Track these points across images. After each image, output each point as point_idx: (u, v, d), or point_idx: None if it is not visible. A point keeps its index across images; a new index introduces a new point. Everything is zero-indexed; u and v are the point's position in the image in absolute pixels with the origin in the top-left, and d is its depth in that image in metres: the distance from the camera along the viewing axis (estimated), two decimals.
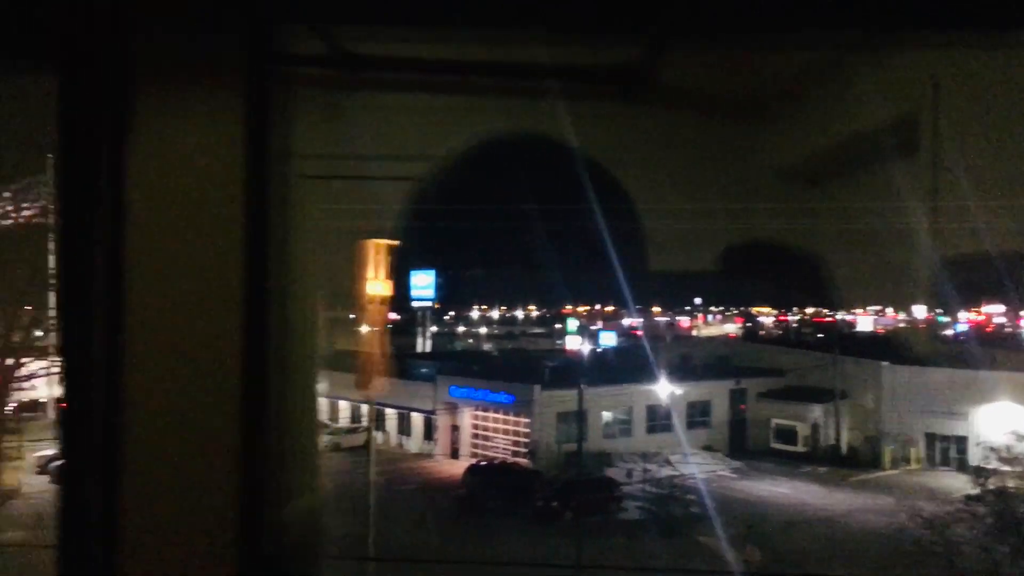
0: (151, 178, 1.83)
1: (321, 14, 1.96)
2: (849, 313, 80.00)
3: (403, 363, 54.43)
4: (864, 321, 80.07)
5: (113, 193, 1.81)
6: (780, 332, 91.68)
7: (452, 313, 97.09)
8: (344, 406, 48.40)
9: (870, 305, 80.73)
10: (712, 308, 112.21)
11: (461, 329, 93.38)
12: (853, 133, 3.04)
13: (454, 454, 43.59)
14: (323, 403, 50.77)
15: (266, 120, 1.87)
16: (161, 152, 1.83)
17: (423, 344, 67.90)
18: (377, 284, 21.01)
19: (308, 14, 1.95)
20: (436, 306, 71.11)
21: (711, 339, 76.56)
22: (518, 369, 47.17)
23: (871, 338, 67.04)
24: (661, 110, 2.61)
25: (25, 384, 42.76)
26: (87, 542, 1.85)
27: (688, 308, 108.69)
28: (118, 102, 1.81)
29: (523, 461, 40.08)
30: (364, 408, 40.79)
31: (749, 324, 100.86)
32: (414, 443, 45.88)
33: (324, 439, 45.33)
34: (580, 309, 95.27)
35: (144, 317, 1.83)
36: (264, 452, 1.89)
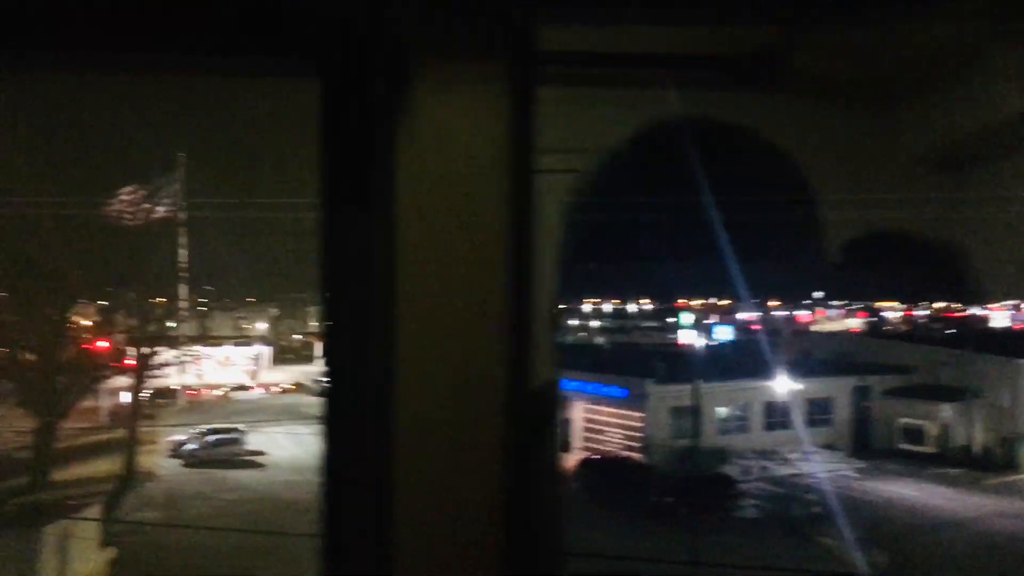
0: (421, 168, 1.85)
1: (576, 11, 1.98)
2: (982, 308, 76.03)
3: None
4: (999, 316, 75.98)
5: (385, 182, 1.83)
6: (907, 328, 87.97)
7: (563, 306, 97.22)
8: None
9: (1005, 299, 76.46)
10: (833, 302, 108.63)
11: (572, 322, 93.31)
12: (996, 116, 2.85)
13: (565, 447, 43.54)
14: None
15: (526, 114, 1.89)
16: (431, 143, 1.85)
17: None
18: None
19: (565, 11, 1.98)
20: None
21: (832, 334, 74.13)
22: (631, 363, 46.77)
23: (1007, 334, 63.61)
24: (792, 96, 2.50)
25: (159, 372, 45.20)
26: (358, 544, 1.85)
27: (808, 302, 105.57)
28: (391, 94, 1.83)
29: (636, 456, 39.75)
30: None
31: (873, 319, 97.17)
32: None
33: None
34: (695, 303, 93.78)
35: (414, 320, 1.84)
36: (526, 452, 1.88)
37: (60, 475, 35.93)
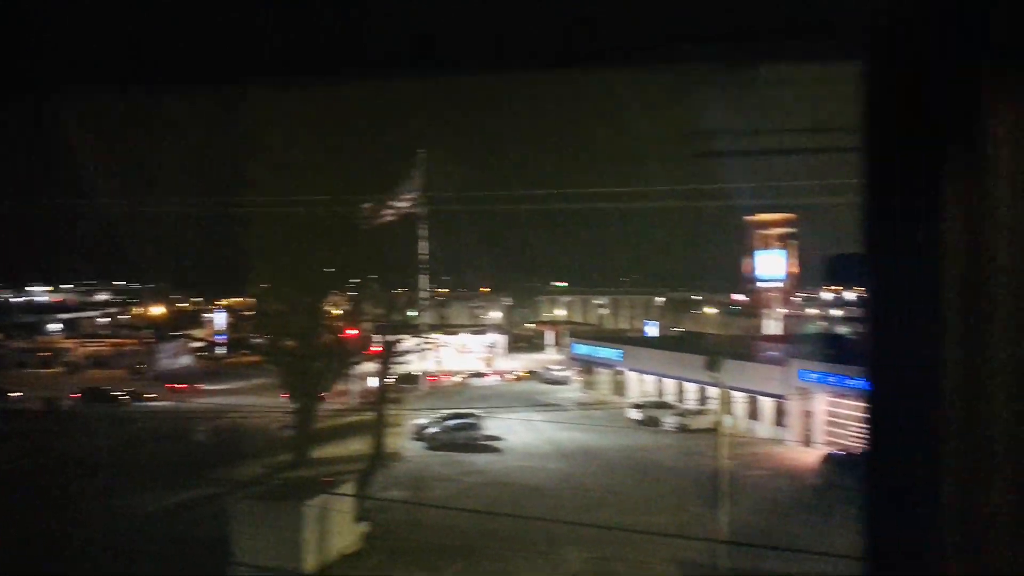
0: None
1: None
2: None
3: (749, 345, 53.04)
4: None
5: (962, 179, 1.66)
6: None
7: (801, 294, 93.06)
8: (691, 388, 48.24)
9: None
10: None
11: (811, 311, 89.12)
12: None
13: (807, 441, 41.66)
14: (670, 384, 51.01)
15: None
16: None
17: (771, 326, 65.67)
18: (770, 262, 20.32)
19: None
20: (784, 287, 68.33)
21: None
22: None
23: None
24: None
25: (402, 359, 47.61)
26: (907, 560, 1.72)
27: None
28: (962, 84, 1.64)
29: None
30: (712, 390, 40.23)
31: None
32: (763, 428, 44.56)
33: (672, 419, 45.48)
34: None
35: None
36: None
37: (317, 453, 38.70)
